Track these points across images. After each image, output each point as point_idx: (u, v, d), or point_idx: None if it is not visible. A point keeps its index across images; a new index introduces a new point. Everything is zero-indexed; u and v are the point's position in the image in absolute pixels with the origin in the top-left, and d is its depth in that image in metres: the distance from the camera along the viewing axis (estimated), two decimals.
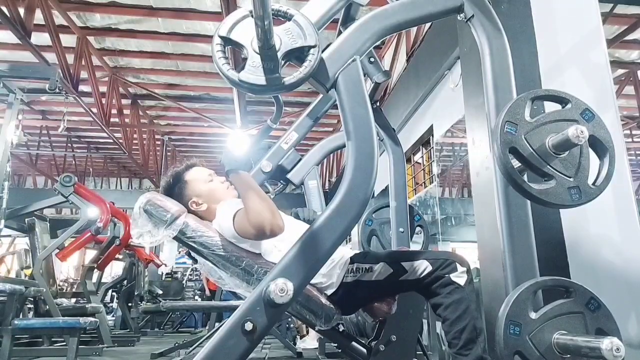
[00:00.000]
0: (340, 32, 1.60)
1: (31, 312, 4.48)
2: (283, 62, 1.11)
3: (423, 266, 1.46)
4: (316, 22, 1.22)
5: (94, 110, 7.66)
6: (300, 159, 2.45)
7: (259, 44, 1.05)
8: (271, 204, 1.34)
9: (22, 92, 4.35)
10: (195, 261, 1.64)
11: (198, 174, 1.68)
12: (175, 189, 1.65)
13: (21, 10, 5.46)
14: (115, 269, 8.97)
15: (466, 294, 1.40)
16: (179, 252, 12.05)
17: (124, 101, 8.71)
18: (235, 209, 1.43)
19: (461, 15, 1.37)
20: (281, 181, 2.47)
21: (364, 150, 1.14)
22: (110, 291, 7.36)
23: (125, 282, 6.61)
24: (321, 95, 2.35)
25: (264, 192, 1.37)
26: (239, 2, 5.23)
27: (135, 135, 9.91)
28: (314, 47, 1.10)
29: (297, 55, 1.12)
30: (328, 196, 1.75)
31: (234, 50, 1.15)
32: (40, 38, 6.15)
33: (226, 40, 1.08)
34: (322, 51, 1.14)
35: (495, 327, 1.00)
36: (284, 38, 1.10)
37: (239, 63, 1.11)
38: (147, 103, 9.31)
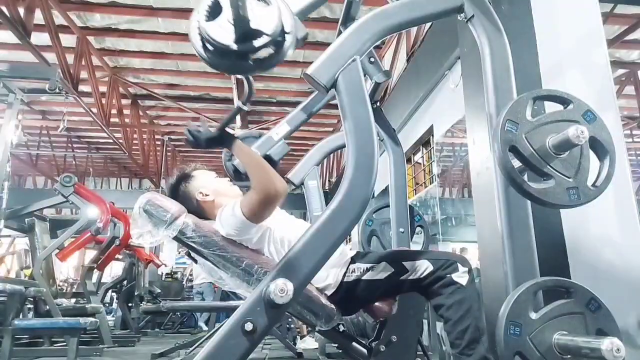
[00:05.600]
0: (340, 32, 1.60)
1: (31, 312, 4.48)
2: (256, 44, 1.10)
3: (424, 266, 1.46)
4: (299, 10, 1.23)
5: (94, 110, 7.66)
6: (288, 151, 2.41)
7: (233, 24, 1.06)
8: (273, 171, 1.40)
9: (22, 92, 4.35)
10: (195, 261, 1.64)
11: (204, 172, 1.77)
12: (182, 185, 1.69)
13: (21, 10, 5.46)
14: (115, 269, 8.97)
15: (468, 294, 1.40)
16: (179, 252, 12.03)
17: (124, 101, 8.71)
18: (237, 202, 1.46)
19: (461, 15, 1.36)
20: None
21: (364, 150, 1.14)
22: (110, 291, 7.36)
23: (125, 282, 6.62)
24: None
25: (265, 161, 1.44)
26: None
27: (135, 136, 9.92)
28: (288, 33, 1.10)
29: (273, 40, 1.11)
30: (328, 196, 1.75)
31: None
32: (40, 38, 6.14)
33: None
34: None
35: (495, 327, 1.00)
36: (258, 20, 1.09)
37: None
38: (147, 103, 9.31)
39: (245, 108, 1.48)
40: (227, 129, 1.50)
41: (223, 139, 1.48)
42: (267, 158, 2.25)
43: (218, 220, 1.50)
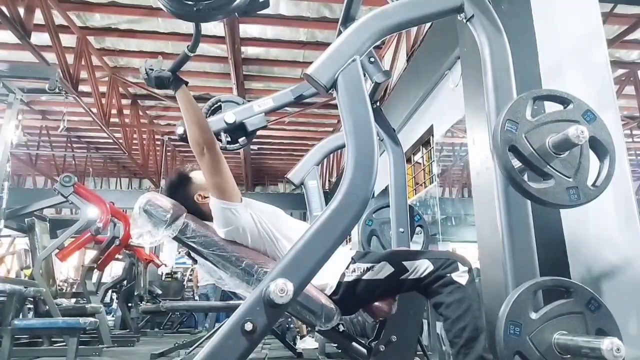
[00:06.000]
0: (340, 32, 1.59)
1: (31, 312, 4.48)
2: None
3: (424, 265, 1.46)
4: None
5: (94, 110, 7.66)
6: (265, 126, 2.38)
7: None
8: (206, 122, 1.54)
9: (21, 92, 4.35)
10: (195, 261, 1.64)
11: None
12: (181, 186, 1.69)
13: (21, 10, 5.46)
14: (115, 269, 8.98)
15: (468, 293, 1.40)
16: (179, 252, 12.03)
17: (124, 101, 8.71)
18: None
19: (461, 15, 1.36)
20: (238, 140, 2.36)
21: (364, 150, 1.14)
22: (110, 291, 7.36)
23: (125, 282, 6.61)
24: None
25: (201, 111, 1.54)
26: None
27: (135, 135, 9.91)
28: None
29: None
30: (328, 196, 1.75)
31: None
32: (40, 38, 6.14)
33: None
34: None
35: (495, 327, 1.00)
36: None
37: None
38: (147, 103, 9.31)
39: (191, 54, 1.54)
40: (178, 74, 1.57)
41: (171, 82, 1.56)
42: (242, 126, 2.24)
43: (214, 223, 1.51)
